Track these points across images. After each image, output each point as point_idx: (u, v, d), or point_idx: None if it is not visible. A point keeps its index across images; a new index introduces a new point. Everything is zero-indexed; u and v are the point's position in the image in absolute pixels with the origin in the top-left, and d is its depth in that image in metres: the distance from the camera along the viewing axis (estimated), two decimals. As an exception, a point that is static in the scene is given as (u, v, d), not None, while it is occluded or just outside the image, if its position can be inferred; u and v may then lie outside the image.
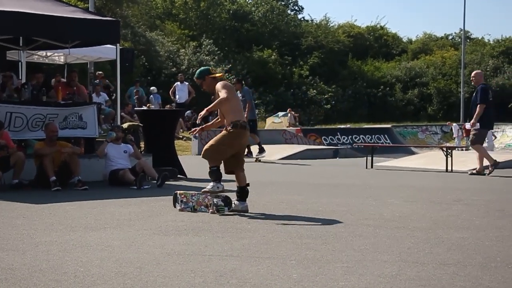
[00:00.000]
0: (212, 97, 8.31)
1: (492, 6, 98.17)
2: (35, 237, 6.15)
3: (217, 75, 8.26)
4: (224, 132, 7.85)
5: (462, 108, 42.38)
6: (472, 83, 14.52)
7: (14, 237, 6.16)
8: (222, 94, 7.75)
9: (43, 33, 12.04)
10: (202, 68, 8.44)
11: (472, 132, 14.12)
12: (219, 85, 7.88)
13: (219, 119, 8.27)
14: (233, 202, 7.87)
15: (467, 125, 30.39)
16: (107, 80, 21.26)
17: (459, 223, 7.35)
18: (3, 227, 6.74)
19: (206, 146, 7.83)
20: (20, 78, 14.25)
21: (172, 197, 8.19)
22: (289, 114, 33.26)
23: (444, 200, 9.56)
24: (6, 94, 12.21)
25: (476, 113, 13.55)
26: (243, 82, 18.20)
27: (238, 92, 21.57)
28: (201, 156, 7.96)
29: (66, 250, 5.55)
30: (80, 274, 4.72)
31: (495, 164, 13.85)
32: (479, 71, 14.95)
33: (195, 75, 8.29)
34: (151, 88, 26.20)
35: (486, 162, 13.91)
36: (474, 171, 14.00)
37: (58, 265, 4.98)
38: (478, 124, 13.61)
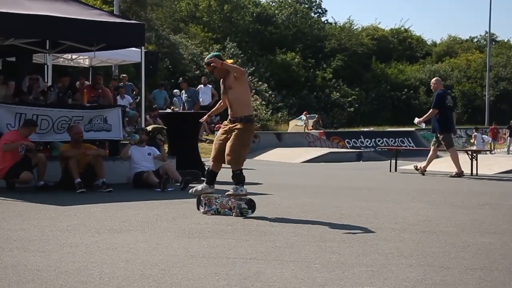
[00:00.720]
0: (222, 85, 8.13)
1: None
2: (61, 239, 6.20)
3: (228, 61, 8.04)
4: (238, 131, 7.70)
5: (488, 111, 42.03)
6: (432, 89, 15.35)
7: (40, 238, 6.22)
8: (239, 69, 7.81)
9: (70, 37, 12.15)
10: (214, 53, 8.23)
11: (440, 139, 14.71)
12: (235, 66, 7.86)
13: (222, 104, 8.22)
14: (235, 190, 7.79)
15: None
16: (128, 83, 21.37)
17: (485, 227, 7.27)
18: (29, 228, 6.80)
19: (228, 152, 7.66)
20: (46, 81, 14.41)
21: (195, 199, 8.21)
22: (303, 117, 33.12)
23: (469, 204, 9.47)
24: (32, 96, 12.35)
25: (426, 114, 14.75)
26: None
27: (184, 91, 21.70)
28: (226, 163, 7.85)
29: (91, 252, 5.59)
30: (105, 276, 4.75)
31: (460, 174, 14.41)
32: (438, 78, 15.92)
33: (207, 61, 7.98)
34: (175, 90, 26.30)
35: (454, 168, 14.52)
36: (455, 174, 14.43)
37: (83, 267, 5.01)
38: (423, 124, 15.07)
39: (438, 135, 14.60)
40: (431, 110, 14.48)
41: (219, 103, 8.45)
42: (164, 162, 11.59)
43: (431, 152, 14.92)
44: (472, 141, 31.17)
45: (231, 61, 8.26)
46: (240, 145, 7.73)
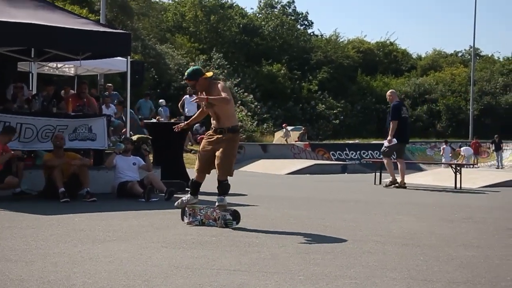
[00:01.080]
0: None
1: (502, 24, 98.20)
2: (44, 248, 6.15)
3: (208, 74, 7.99)
4: (227, 143, 7.68)
5: (471, 125, 42.31)
6: (388, 101, 15.75)
7: (22, 248, 6.17)
8: (224, 95, 7.69)
9: (55, 45, 12.10)
10: (194, 68, 8.16)
11: (385, 145, 15.16)
12: (220, 86, 7.79)
13: (201, 114, 8.30)
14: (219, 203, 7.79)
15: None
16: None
17: (469, 241, 7.30)
18: (11, 237, 6.75)
19: (218, 163, 7.60)
20: (30, 89, 14.32)
21: (180, 210, 8.18)
22: (284, 130, 33.00)
23: (453, 217, 9.51)
24: (17, 105, 12.26)
25: (390, 129, 14.80)
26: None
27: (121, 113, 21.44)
28: (224, 177, 7.69)
29: (74, 262, 5.55)
30: (88, 286, 4.72)
31: (393, 183, 14.98)
32: (393, 90, 16.44)
33: (187, 76, 7.94)
34: (160, 100, 26.27)
35: (397, 177, 15.06)
36: (393, 183, 15.02)
37: (66, 277, 4.97)
38: (394, 139, 14.79)
39: (387, 141, 14.98)
40: (391, 123, 14.78)
41: (199, 111, 8.46)
42: (149, 172, 11.56)
43: (399, 165, 15.10)
44: (441, 153, 31.34)
45: (211, 73, 8.13)
46: (230, 155, 7.75)
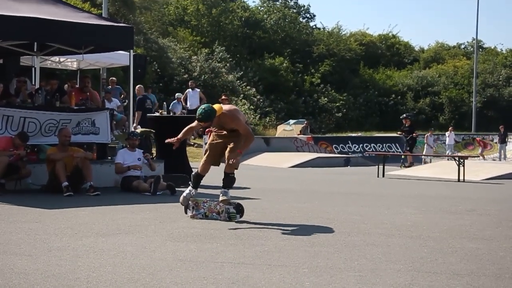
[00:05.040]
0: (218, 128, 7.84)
1: (505, 16, 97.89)
2: (48, 242, 6.16)
3: (217, 108, 7.63)
4: (237, 136, 7.71)
5: (474, 117, 42.24)
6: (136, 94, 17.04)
7: (27, 242, 6.18)
8: (246, 132, 7.74)
9: (58, 39, 12.08)
10: (207, 108, 7.58)
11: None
12: (232, 118, 7.65)
13: (189, 130, 8.04)
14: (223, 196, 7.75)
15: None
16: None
17: (472, 233, 7.30)
18: (16, 232, 6.76)
19: (233, 156, 7.63)
20: (33, 83, 14.32)
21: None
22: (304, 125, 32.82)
23: (457, 209, 9.51)
24: (20, 99, 12.26)
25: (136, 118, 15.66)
26: None
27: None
28: (231, 169, 7.71)
29: (79, 256, 5.56)
30: (92, 279, 4.73)
31: None
32: (141, 86, 18.04)
33: (202, 118, 7.53)
34: (177, 94, 25.66)
35: None
36: None
37: (70, 271, 4.98)
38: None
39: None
40: (136, 113, 15.80)
41: (188, 127, 7.98)
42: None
43: None
44: (425, 142, 31.08)
45: (218, 106, 7.72)
46: (241, 150, 7.77)
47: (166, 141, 8.11)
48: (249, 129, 7.93)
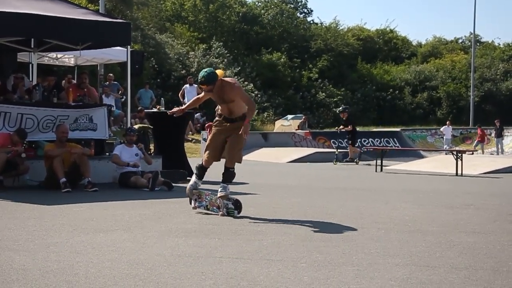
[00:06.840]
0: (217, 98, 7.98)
1: (502, 10, 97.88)
2: (46, 238, 6.16)
3: (219, 73, 7.77)
4: (237, 130, 7.67)
5: (472, 111, 42.27)
6: None
7: (25, 238, 6.18)
8: (248, 101, 7.76)
9: (55, 35, 12.07)
10: (209, 71, 7.66)
11: None
12: (237, 89, 7.68)
13: (196, 101, 8.30)
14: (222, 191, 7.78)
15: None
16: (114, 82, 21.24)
17: (470, 227, 7.32)
18: (14, 228, 6.76)
19: (234, 152, 7.73)
20: (31, 79, 14.31)
21: (183, 197, 8.20)
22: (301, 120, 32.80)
23: (455, 204, 9.53)
24: (17, 95, 12.25)
25: None
26: None
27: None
28: (232, 164, 7.77)
29: (77, 252, 5.56)
30: (91, 275, 4.73)
31: None
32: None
33: (204, 80, 7.55)
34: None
35: None
36: None
37: (69, 266, 4.98)
38: None
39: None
40: None
41: (195, 98, 8.41)
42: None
43: None
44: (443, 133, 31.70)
45: (221, 72, 7.87)
46: (242, 143, 7.82)
47: (169, 112, 8.44)
48: (249, 97, 7.89)
